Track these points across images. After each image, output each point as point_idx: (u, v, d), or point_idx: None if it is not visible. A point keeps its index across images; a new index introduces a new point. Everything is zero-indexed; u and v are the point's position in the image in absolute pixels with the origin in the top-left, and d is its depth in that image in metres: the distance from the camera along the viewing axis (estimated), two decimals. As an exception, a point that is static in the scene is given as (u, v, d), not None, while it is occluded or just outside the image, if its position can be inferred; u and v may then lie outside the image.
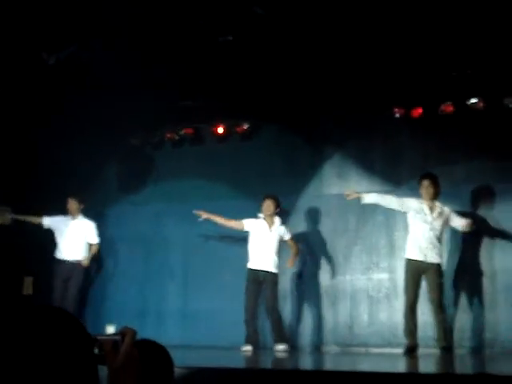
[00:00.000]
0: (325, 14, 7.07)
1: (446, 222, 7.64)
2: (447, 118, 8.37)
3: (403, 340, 7.57)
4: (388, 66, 8.05)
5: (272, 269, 8.13)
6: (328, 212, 8.88)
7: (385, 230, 8.56)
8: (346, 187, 8.60)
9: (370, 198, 7.79)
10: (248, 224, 8.28)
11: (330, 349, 8.54)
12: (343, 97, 8.60)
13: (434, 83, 8.28)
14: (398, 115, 8.54)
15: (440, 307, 7.46)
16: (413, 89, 8.42)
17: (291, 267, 8.44)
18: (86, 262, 9.04)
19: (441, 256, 7.58)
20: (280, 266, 8.24)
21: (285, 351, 7.86)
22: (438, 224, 7.54)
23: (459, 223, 7.68)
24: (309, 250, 8.94)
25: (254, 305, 8.06)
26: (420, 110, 8.48)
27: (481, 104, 8.22)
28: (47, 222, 9.12)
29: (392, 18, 7.12)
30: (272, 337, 8.18)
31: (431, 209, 7.56)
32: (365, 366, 7.03)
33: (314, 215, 8.94)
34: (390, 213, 8.31)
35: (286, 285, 8.72)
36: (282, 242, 8.32)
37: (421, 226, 7.54)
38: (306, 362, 7.78)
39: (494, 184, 8.23)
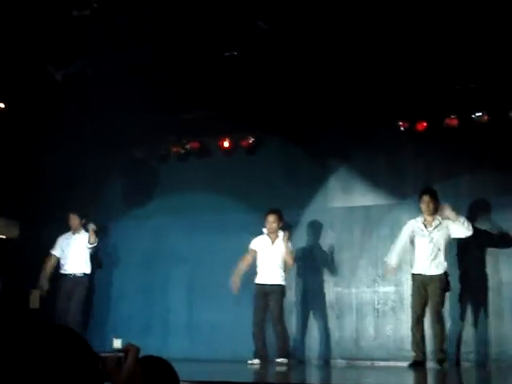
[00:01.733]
0: (328, 27, 7.09)
1: (448, 234, 7.65)
2: (451, 131, 8.38)
3: (409, 353, 7.56)
4: (393, 80, 8.06)
5: (277, 281, 8.12)
6: (333, 225, 8.89)
7: (390, 243, 8.50)
8: (350, 200, 8.72)
9: (392, 260, 7.83)
10: (254, 245, 8.30)
11: (336, 362, 8.51)
12: (347, 110, 8.61)
13: (438, 97, 8.29)
14: (402, 128, 8.56)
15: (437, 315, 7.45)
16: (417, 102, 8.43)
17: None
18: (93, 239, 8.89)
19: (443, 267, 7.55)
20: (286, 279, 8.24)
21: (283, 365, 7.74)
22: (436, 236, 7.61)
23: (458, 231, 7.67)
24: (314, 264, 8.92)
25: (261, 318, 8.05)
26: (424, 124, 8.50)
27: (485, 118, 8.23)
28: (57, 252, 9.05)
29: (398, 31, 7.13)
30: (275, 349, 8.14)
31: (428, 223, 7.66)
32: (370, 379, 7.01)
33: (318, 228, 8.93)
34: (395, 225, 8.31)
35: (291, 298, 8.70)
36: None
37: (420, 241, 7.66)
38: (312, 376, 7.75)
39: (497, 197, 8.23)
